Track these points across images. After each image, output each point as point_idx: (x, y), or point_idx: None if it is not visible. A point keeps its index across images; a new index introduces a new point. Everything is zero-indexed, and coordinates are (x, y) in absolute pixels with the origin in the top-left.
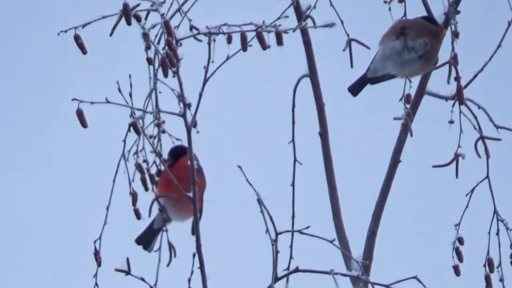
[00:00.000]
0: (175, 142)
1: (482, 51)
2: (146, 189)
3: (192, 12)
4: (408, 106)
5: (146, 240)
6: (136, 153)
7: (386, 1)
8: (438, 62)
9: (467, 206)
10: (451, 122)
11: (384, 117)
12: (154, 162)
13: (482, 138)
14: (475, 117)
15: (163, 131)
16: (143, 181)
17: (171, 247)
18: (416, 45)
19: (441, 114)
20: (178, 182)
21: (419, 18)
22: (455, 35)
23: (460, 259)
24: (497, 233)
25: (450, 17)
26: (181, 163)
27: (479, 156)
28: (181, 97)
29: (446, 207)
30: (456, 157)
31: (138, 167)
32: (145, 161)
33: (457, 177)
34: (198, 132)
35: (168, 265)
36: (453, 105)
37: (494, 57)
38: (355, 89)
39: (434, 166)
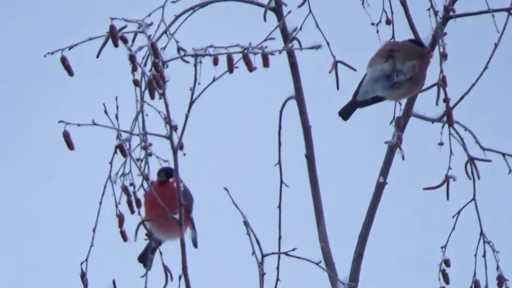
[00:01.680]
0: (162, 164)
1: (468, 73)
2: (132, 211)
3: (178, 33)
4: (398, 129)
5: (146, 258)
6: (122, 175)
7: (374, 23)
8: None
9: (453, 228)
10: (441, 144)
11: (370, 138)
12: (142, 185)
13: (472, 159)
14: (462, 139)
15: (150, 154)
16: (129, 203)
17: (166, 269)
18: (405, 67)
19: (427, 135)
20: (164, 202)
21: (407, 40)
22: (443, 56)
23: (447, 281)
24: (484, 255)
25: (438, 39)
26: (170, 184)
27: (470, 178)
28: (167, 119)
29: (432, 229)
30: (447, 179)
31: (124, 189)
32: (131, 184)
33: (448, 199)
34: (184, 154)
35: (164, 287)
36: (442, 127)
37: (481, 79)
38: (346, 113)
39: (425, 189)
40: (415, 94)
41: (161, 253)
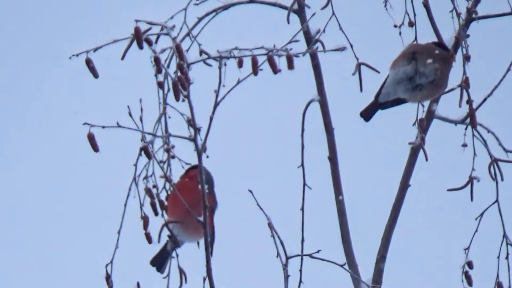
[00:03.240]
0: (184, 166)
1: (491, 75)
2: (156, 213)
3: (201, 36)
4: (421, 130)
5: (159, 262)
6: (145, 177)
7: (396, 26)
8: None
9: (476, 230)
10: (465, 145)
11: (393, 141)
12: (164, 187)
13: (495, 161)
14: (485, 141)
15: (173, 156)
16: (153, 206)
17: (181, 272)
18: (427, 70)
19: (450, 137)
20: (188, 200)
21: (430, 43)
22: (466, 58)
23: (470, 283)
24: (507, 257)
25: (461, 41)
26: (189, 181)
27: (494, 179)
28: (191, 121)
29: (456, 231)
30: (471, 180)
31: (148, 192)
32: (154, 186)
33: (472, 200)
34: (208, 156)
35: None
36: (465, 129)
37: (504, 81)
38: (367, 114)
39: (449, 190)
40: (437, 96)
41: (177, 255)
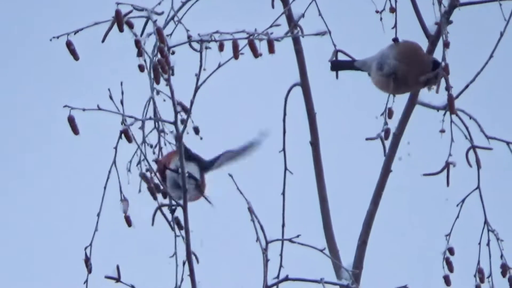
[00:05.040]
0: (174, 148)
1: (474, 62)
2: (155, 198)
3: (183, 19)
4: (389, 120)
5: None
6: (139, 163)
7: (378, 11)
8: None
9: (457, 216)
10: (442, 131)
11: (375, 126)
12: (152, 170)
13: (473, 147)
14: (466, 128)
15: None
16: (151, 190)
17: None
18: (390, 64)
19: (433, 123)
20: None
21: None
22: (446, 45)
23: (451, 269)
24: (488, 244)
25: (442, 27)
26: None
27: (470, 166)
28: (173, 105)
29: (437, 217)
30: (447, 165)
31: (143, 177)
32: (148, 170)
33: (448, 185)
34: (201, 138)
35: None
36: (444, 115)
37: (486, 68)
38: (337, 66)
39: (425, 175)
40: (400, 93)
41: (183, 238)
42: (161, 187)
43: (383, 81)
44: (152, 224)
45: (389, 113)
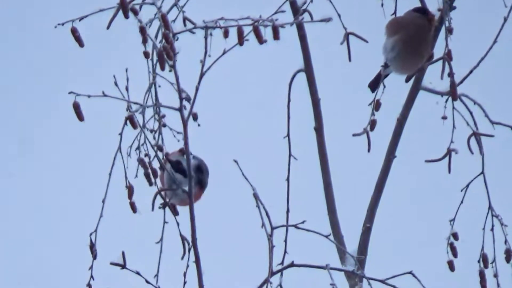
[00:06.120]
0: (176, 135)
1: (478, 47)
2: (151, 183)
3: (188, 6)
4: (375, 112)
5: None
6: (137, 148)
7: None
8: (433, 56)
9: (462, 202)
10: (444, 118)
11: (379, 112)
12: (156, 155)
13: (475, 134)
14: (471, 113)
15: (164, 125)
16: (147, 176)
17: (184, 239)
18: (389, 44)
19: (437, 109)
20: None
21: (410, 10)
22: (449, 31)
23: (455, 254)
24: (492, 229)
25: (444, 13)
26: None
27: (472, 152)
28: (178, 91)
29: (441, 202)
30: (449, 152)
31: (141, 162)
32: (146, 155)
33: (449, 172)
34: (199, 125)
35: (182, 258)
36: (446, 101)
37: (490, 53)
38: (374, 85)
39: (427, 161)
40: (420, 64)
41: (178, 224)
42: (158, 173)
43: (401, 61)
44: (152, 209)
45: (377, 104)
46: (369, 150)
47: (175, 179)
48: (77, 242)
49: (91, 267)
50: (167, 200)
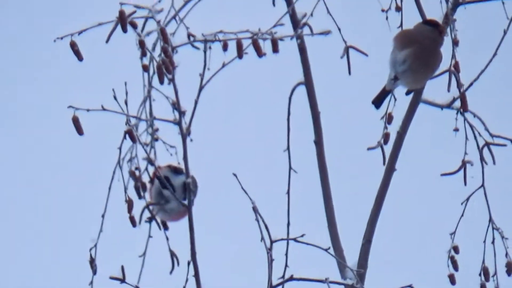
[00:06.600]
0: (169, 149)
1: (477, 60)
2: (140, 196)
3: (187, 19)
4: (388, 126)
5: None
6: (130, 160)
7: (384, 10)
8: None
9: (462, 215)
10: (456, 130)
11: (379, 125)
12: (146, 169)
13: (488, 144)
14: (471, 126)
15: (157, 139)
16: (137, 189)
17: (173, 254)
18: (401, 57)
19: (437, 122)
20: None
21: (420, 24)
22: (455, 43)
23: (456, 267)
24: (493, 242)
25: (450, 25)
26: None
27: (486, 163)
28: (176, 105)
29: (441, 215)
30: (464, 164)
31: (132, 174)
32: (137, 168)
33: (465, 184)
34: (191, 140)
35: (171, 272)
36: (457, 113)
37: (490, 66)
38: (377, 101)
39: (442, 174)
40: (431, 75)
41: (167, 239)
42: (147, 187)
43: (413, 76)
44: (140, 222)
45: (389, 118)
46: (384, 163)
47: (164, 194)
48: (77, 257)
49: (91, 282)
50: (154, 214)
